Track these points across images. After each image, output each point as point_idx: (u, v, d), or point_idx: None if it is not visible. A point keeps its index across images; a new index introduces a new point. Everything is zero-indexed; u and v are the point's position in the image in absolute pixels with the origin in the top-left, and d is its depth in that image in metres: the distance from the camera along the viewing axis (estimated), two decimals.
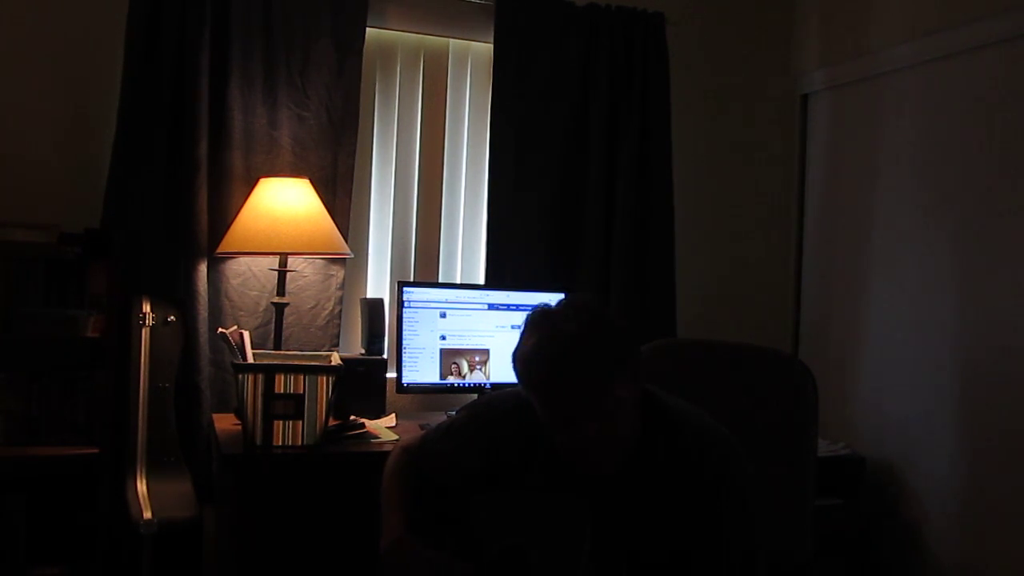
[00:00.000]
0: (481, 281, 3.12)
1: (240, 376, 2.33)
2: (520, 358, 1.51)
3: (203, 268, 2.70)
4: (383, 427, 2.62)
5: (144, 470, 2.51)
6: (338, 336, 2.91)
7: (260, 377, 2.32)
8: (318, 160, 2.88)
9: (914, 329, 2.95)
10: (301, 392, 2.34)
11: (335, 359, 2.52)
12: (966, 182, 2.78)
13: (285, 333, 2.76)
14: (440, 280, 3.17)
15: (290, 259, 2.76)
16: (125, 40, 2.65)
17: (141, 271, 2.64)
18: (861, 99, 3.24)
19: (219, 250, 2.71)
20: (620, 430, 1.50)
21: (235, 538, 2.31)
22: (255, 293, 2.83)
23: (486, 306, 2.87)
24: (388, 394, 2.80)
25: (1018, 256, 2.60)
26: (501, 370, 2.84)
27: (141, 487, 2.47)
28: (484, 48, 3.17)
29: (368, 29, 2.95)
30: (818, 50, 3.46)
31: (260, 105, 2.81)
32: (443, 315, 2.81)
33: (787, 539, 1.98)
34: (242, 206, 2.73)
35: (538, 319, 1.52)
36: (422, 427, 2.57)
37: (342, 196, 2.90)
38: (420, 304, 2.78)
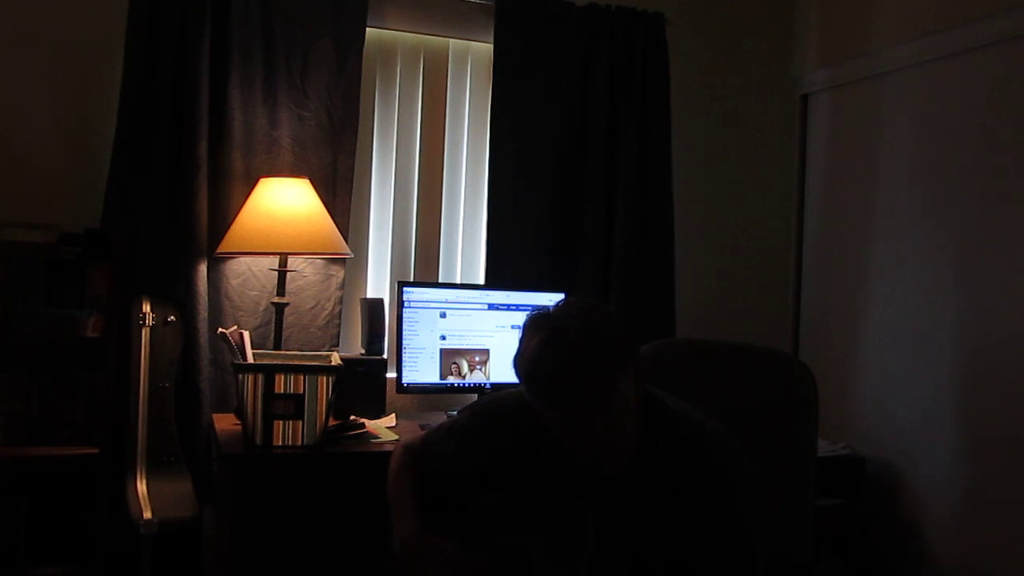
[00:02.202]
0: (481, 281, 3.12)
1: (240, 376, 2.33)
2: (524, 360, 1.50)
3: (203, 268, 2.70)
4: (383, 427, 2.62)
5: (144, 470, 2.51)
6: (338, 336, 2.91)
7: (260, 377, 2.32)
8: (318, 160, 2.88)
9: (914, 329, 2.95)
10: (301, 392, 2.34)
11: (335, 359, 2.52)
12: (966, 182, 2.78)
13: (285, 333, 2.76)
14: (440, 280, 3.17)
15: (290, 259, 2.76)
16: (125, 40, 2.65)
17: (141, 271, 2.64)
18: (861, 99, 3.24)
19: (219, 250, 2.71)
20: (626, 427, 1.50)
21: (235, 538, 2.31)
22: (255, 293, 2.83)
23: (486, 306, 2.87)
24: (388, 394, 2.80)
25: (1018, 256, 2.60)
26: (501, 370, 2.84)
27: (141, 487, 2.47)
28: (484, 48, 3.17)
29: (368, 29, 2.95)
30: (818, 50, 3.46)
31: (260, 105, 2.81)
32: (443, 315, 2.81)
33: (787, 539, 1.97)
34: (242, 206, 2.73)
35: (538, 321, 1.52)
36: (422, 427, 2.57)
37: (342, 196, 2.90)
38: (420, 304, 2.78)
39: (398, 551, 1.62)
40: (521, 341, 1.53)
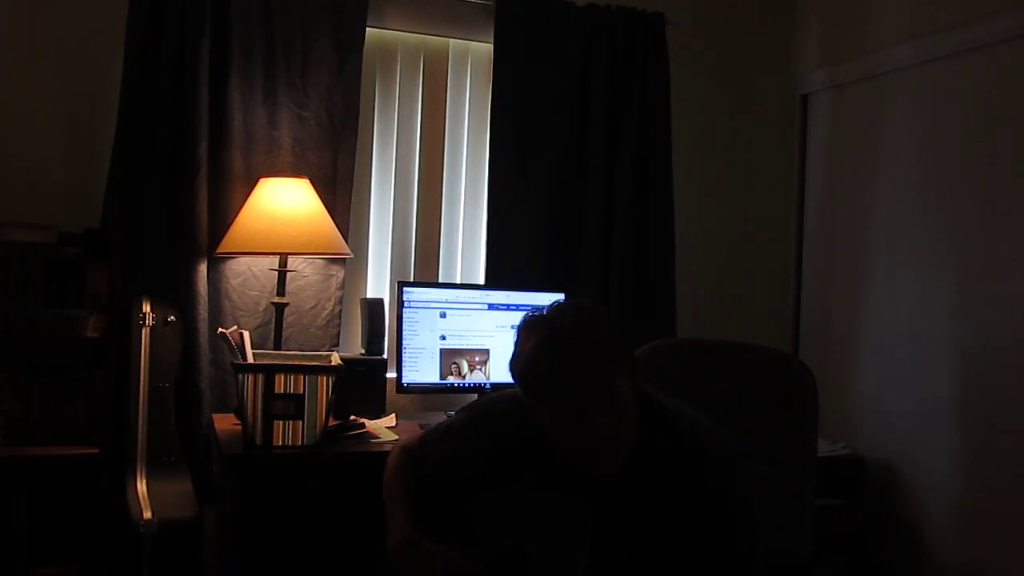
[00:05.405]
0: (481, 281, 3.12)
1: (240, 376, 2.33)
2: (520, 363, 1.50)
3: (203, 268, 2.71)
4: (383, 427, 2.62)
5: (144, 470, 2.51)
6: (338, 336, 2.91)
7: (260, 377, 2.32)
8: (318, 160, 2.88)
9: (914, 329, 2.95)
10: (301, 392, 2.34)
11: (335, 359, 2.52)
12: (966, 182, 2.78)
13: (285, 333, 2.76)
14: (440, 280, 3.17)
15: (290, 259, 2.76)
16: (125, 40, 2.65)
17: (141, 271, 2.64)
18: (861, 99, 3.24)
19: (219, 250, 2.71)
20: (626, 426, 1.50)
21: (235, 538, 2.31)
22: (255, 293, 2.83)
23: (486, 306, 2.87)
24: (388, 394, 2.80)
25: (1018, 256, 2.60)
26: (501, 370, 2.83)
27: (141, 487, 2.47)
28: (484, 48, 3.17)
29: (368, 29, 2.95)
30: (818, 50, 3.46)
31: (260, 105, 2.81)
32: (443, 315, 2.81)
33: (787, 539, 1.98)
34: (242, 206, 2.73)
35: (533, 323, 1.52)
36: (422, 427, 2.56)
37: (342, 196, 2.90)
38: (420, 304, 2.78)
39: (391, 553, 1.61)
40: (517, 344, 1.53)
